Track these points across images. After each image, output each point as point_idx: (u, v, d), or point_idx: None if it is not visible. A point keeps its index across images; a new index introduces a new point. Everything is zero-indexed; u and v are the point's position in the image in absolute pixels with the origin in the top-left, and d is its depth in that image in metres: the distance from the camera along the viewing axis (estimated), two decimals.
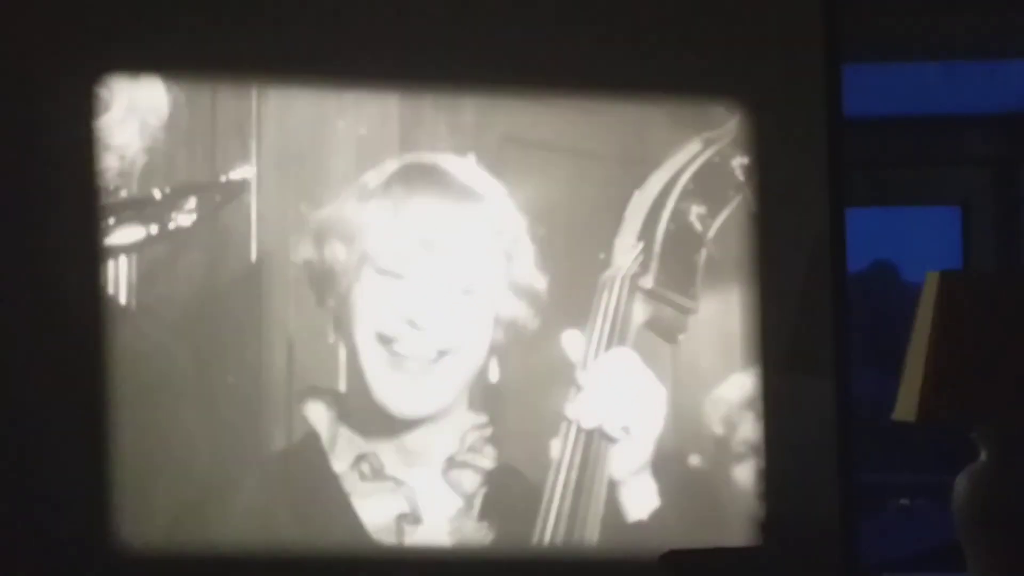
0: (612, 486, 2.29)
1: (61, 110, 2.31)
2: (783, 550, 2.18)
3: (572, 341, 2.30)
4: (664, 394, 2.30)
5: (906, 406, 1.98)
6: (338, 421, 2.30)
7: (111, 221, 2.30)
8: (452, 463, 2.30)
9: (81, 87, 2.31)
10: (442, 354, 2.29)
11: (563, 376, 2.30)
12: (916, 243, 3.13)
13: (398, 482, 2.30)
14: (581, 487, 2.29)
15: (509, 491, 2.30)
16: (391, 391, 2.29)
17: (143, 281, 2.31)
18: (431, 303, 2.28)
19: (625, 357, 2.30)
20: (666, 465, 2.30)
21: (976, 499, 1.97)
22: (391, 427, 2.30)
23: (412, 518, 2.29)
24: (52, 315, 2.30)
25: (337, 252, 2.30)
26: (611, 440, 2.29)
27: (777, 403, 2.28)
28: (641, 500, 2.28)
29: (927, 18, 2.46)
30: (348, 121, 2.32)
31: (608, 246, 2.31)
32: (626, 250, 2.31)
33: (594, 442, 2.29)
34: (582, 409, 2.29)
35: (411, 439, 2.30)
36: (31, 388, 2.29)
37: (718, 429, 2.30)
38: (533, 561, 2.29)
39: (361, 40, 2.33)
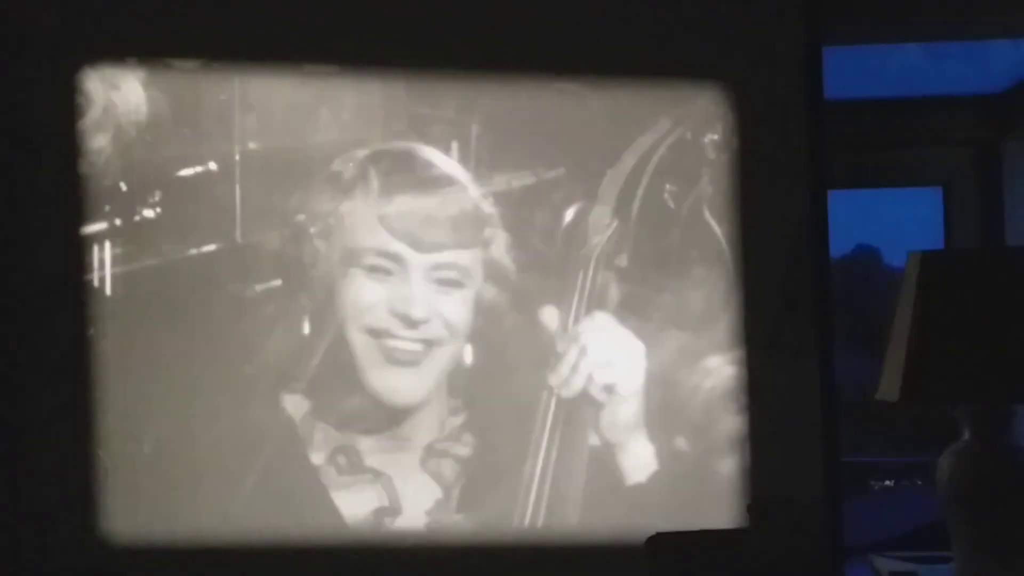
0: (600, 456, 2.29)
1: (41, 100, 2.31)
2: (769, 532, 2.18)
3: (550, 316, 2.30)
4: (643, 351, 2.30)
5: (889, 386, 1.99)
6: (315, 413, 2.30)
7: (92, 211, 2.30)
8: (431, 451, 2.31)
9: (60, 76, 2.31)
10: (430, 344, 2.29)
11: (542, 355, 2.31)
12: (897, 224, 3.14)
13: (376, 473, 2.30)
14: (562, 465, 2.30)
15: (489, 474, 2.30)
16: (386, 381, 2.30)
17: (125, 271, 2.31)
18: (416, 298, 2.28)
19: (602, 320, 2.30)
20: (651, 448, 2.31)
21: (959, 478, 1.98)
22: (376, 418, 2.31)
23: (391, 509, 2.30)
24: (34, 305, 2.30)
25: (317, 245, 2.30)
26: (598, 404, 2.29)
27: (761, 386, 2.28)
28: (638, 462, 2.29)
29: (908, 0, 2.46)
30: (331, 109, 2.32)
31: (584, 225, 2.32)
32: (600, 229, 2.31)
33: (576, 413, 2.30)
34: (564, 374, 2.29)
35: (395, 428, 2.31)
36: (14, 378, 2.29)
37: (702, 412, 2.30)
38: (513, 544, 2.29)
39: (344, 28, 2.32)
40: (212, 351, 2.30)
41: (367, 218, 2.31)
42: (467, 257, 2.31)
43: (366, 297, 2.30)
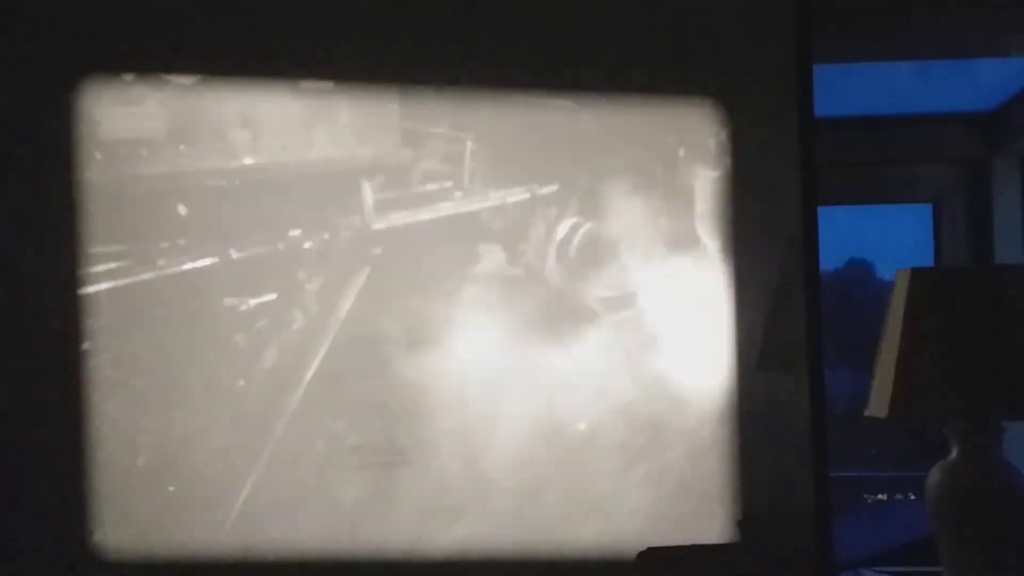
0: (593, 469, 2.31)
1: (37, 114, 2.32)
2: (759, 546, 2.19)
3: (545, 330, 2.32)
4: (637, 364, 2.32)
5: (878, 402, 2.00)
6: (308, 426, 2.30)
7: (87, 225, 2.31)
8: (428, 457, 2.32)
9: (56, 90, 2.32)
10: (416, 343, 2.31)
11: (537, 369, 2.32)
12: (890, 240, 3.16)
13: (371, 484, 2.31)
14: (555, 478, 2.31)
15: (481, 485, 2.31)
16: (375, 392, 2.31)
17: (120, 285, 2.32)
18: (405, 309, 2.30)
19: (598, 335, 2.32)
20: (641, 463, 2.32)
21: (948, 493, 1.99)
22: (369, 427, 2.32)
23: (385, 516, 2.30)
24: (29, 319, 2.31)
25: (311, 260, 2.31)
26: (590, 417, 2.31)
27: (752, 400, 2.29)
28: (630, 476, 2.30)
29: (899, 18, 2.48)
30: (326, 125, 2.34)
31: (577, 241, 2.34)
32: (594, 245, 2.33)
33: (568, 426, 2.31)
34: (559, 387, 2.31)
35: (390, 438, 2.32)
36: (8, 391, 2.30)
37: (692, 426, 2.31)
38: (501, 558, 2.30)
39: (339, 45, 2.34)
40: (206, 365, 2.31)
41: (361, 233, 2.32)
42: (458, 267, 2.32)
43: (355, 308, 2.31)
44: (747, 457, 2.28)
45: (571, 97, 2.34)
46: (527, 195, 2.34)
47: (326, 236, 2.32)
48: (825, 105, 2.35)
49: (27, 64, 2.33)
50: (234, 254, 2.32)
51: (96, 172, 2.32)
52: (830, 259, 2.92)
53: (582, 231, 2.34)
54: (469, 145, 2.34)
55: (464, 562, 2.30)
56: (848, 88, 2.73)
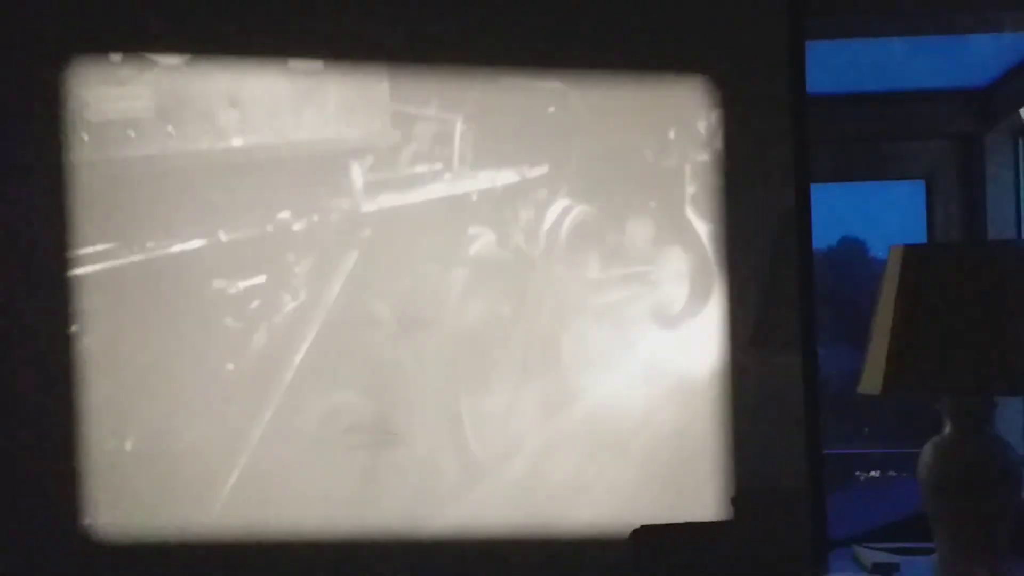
0: (586, 450, 2.31)
1: (23, 96, 2.31)
2: (753, 524, 2.20)
3: (537, 314, 2.32)
4: (629, 346, 2.32)
5: (871, 379, 2.00)
6: (297, 409, 2.30)
7: (75, 207, 2.30)
8: (419, 442, 2.32)
9: (43, 72, 2.31)
10: (406, 325, 2.30)
11: (530, 352, 2.32)
12: (883, 217, 3.16)
13: (362, 467, 2.31)
14: (547, 459, 2.31)
15: (474, 467, 2.31)
16: (367, 376, 2.30)
17: (108, 268, 2.31)
18: (395, 292, 2.29)
19: (588, 316, 2.32)
20: (635, 442, 2.32)
21: (940, 470, 2.00)
22: (359, 411, 2.32)
23: (377, 502, 2.31)
24: (17, 302, 2.31)
25: (300, 242, 2.30)
26: (584, 399, 2.31)
27: (745, 379, 2.29)
28: (623, 455, 2.31)
29: None
30: (315, 105, 2.33)
31: (567, 223, 2.33)
32: (584, 226, 2.32)
33: (563, 408, 2.31)
34: (553, 369, 2.31)
35: (380, 422, 2.32)
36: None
37: (686, 406, 2.31)
38: (497, 538, 2.31)
39: (329, 25, 2.33)
40: (195, 348, 2.31)
41: (350, 215, 2.32)
42: (448, 249, 2.31)
43: (344, 290, 2.30)
44: (740, 435, 2.29)
45: (561, 78, 2.33)
46: (517, 177, 2.34)
47: (315, 218, 2.32)
48: (817, 82, 2.34)
49: (13, 45, 2.32)
50: (223, 236, 2.31)
51: (84, 153, 2.31)
52: (822, 237, 2.92)
53: (573, 213, 2.33)
54: (459, 127, 2.33)
55: (456, 542, 2.30)
56: (840, 65, 2.72)
